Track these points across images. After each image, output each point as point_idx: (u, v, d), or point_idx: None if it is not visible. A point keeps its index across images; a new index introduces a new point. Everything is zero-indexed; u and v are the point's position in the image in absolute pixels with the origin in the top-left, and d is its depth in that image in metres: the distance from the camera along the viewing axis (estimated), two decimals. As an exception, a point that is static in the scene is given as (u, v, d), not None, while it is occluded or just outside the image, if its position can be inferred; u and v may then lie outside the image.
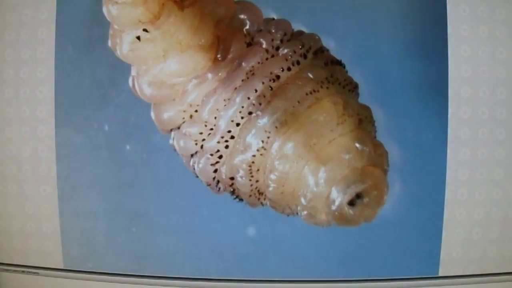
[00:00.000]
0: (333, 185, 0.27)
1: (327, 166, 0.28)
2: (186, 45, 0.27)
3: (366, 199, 0.28)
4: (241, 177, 0.29)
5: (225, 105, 0.28)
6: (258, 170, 0.29)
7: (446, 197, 0.37)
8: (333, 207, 0.28)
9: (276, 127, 0.28)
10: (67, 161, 0.38)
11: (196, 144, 0.29)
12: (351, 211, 0.27)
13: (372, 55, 0.37)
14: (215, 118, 0.28)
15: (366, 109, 0.30)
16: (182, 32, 0.27)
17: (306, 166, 0.28)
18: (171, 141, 0.32)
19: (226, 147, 0.28)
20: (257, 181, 0.29)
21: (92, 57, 0.38)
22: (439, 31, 0.37)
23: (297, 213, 0.31)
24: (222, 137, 0.28)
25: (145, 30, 0.26)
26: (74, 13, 0.38)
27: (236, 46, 0.28)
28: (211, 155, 0.29)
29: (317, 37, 0.30)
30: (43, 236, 0.39)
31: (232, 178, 0.29)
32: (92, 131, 0.38)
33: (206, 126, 0.29)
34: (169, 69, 0.28)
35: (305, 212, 0.29)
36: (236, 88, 0.28)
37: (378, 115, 0.32)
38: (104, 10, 0.26)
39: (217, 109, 0.28)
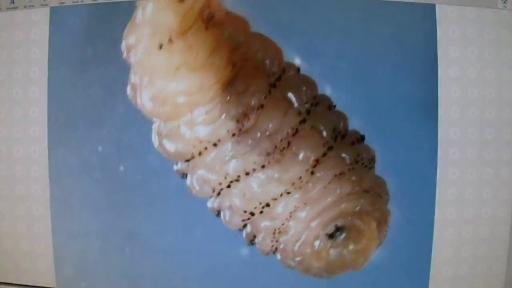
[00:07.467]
0: (321, 227, 0.29)
1: (321, 215, 0.29)
2: (199, 64, 0.27)
3: (344, 234, 0.29)
4: (263, 238, 0.30)
5: (254, 169, 0.29)
6: (280, 232, 0.30)
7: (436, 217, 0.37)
8: (316, 243, 0.29)
9: (305, 203, 0.29)
10: (60, 181, 0.38)
11: (213, 191, 0.30)
12: (328, 244, 0.29)
13: (363, 76, 0.37)
14: (241, 175, 0.29)
15: (380, 184, 0.31)
16: (200, 51, 0.27)
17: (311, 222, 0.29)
18: (175, 167, 0.32)
19: (261, 212, 0.29)
20: (277, 241, 0.30)
21: (85, 78, 0.37)
22: (429, 52, 0.37)
23: None
24: (260, 203, 0.29)
25: (170, 40, 0.26)
26: (67, 34, 0.38)
27: (257, 83, 0.28)
28: (244, 212, 0.30)
29: (346, 121, 0.31)
30: (35, 255, 0.39)
31: (254, 236, 0.31)
32: (85, 151, 0.38)
33: (226, 178, 0.29)
34: (175, 85, 0.28)
35: (296, 258, 0.30)
36: (277, 161, 0.29)
37: (369, 134, 0.33)
38: (139, 10, 0.26)
39: (247, 173, 0.29)
